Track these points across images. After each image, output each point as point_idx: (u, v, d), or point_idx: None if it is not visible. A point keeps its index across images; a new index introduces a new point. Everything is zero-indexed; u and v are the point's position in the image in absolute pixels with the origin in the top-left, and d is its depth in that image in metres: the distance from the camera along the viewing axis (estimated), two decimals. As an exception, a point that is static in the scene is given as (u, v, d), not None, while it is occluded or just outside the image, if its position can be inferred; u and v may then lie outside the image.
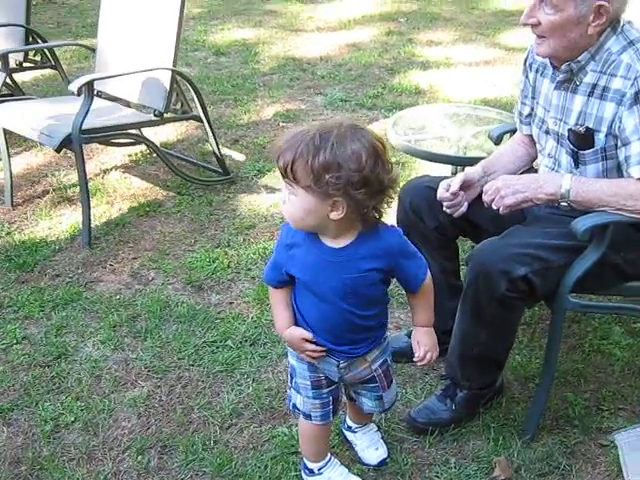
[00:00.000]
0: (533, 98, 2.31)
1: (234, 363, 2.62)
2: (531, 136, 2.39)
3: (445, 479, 2.15)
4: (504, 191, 2.08)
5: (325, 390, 1.96)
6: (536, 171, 2.40)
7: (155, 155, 4.14)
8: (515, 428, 2.31)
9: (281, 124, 4.72)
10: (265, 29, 6.74)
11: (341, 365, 1.88)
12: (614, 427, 2.32)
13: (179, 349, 2.69)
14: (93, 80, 3.22)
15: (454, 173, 3.03)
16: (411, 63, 5.84)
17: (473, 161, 2.53)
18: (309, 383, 1.94)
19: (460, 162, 2.94)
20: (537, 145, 2.34)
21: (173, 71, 3.46)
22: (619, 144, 2.03)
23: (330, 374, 1.92)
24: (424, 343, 1.90)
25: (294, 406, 2.01)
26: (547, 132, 2.24)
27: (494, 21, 7.01)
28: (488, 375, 2.31)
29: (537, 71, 2.27)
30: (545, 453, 2.23)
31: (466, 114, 3.67)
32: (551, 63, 2.17)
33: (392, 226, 1.78)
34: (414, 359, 1.92)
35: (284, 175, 1.63)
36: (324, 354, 1.87)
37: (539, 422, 2.30)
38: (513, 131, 2.59)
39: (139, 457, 2.23)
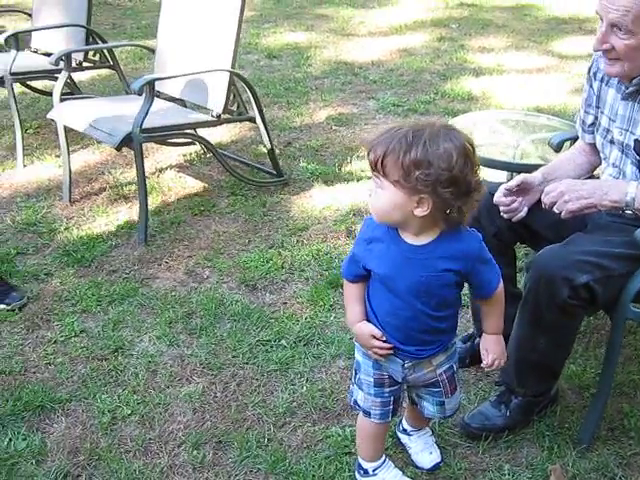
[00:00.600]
0: (597, 107, 2.30)
1: (288, 362, 2.65)
2: (593, 144, 2.37)
3: (499, 485, 2.15)
4: (568, 196, 2.06)
5: (387, 389, 1.97)
6: (597, 179, 2.39)
7: (209, 155, 4.22)
8: (570, 437, 2.29)
9: (334, 127, 4.74)
10: (317, 33, 6.79)
11: (406, 365, 1.90)
12: (671, 440, 2.30)
13: (234, 347, 2.72)
14: (155, 80, 3.29)
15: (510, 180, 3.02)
16: (463, 69, 5.83)
17: (530, 168, 2.53)
18: (372, 380, 1.96)
19: (518, 169, 2.92)
20: (601, 154, 2.32)
21: (231, 73, 3.50)
22: (686, 155, 2.01)
23: (394, 373, 1.94)
24: (493, 351, 1.93)
25: (355, 402, 2.03)
26: (612, 142, 2.23)
27: (546, 28, 6.96)
28: (544, 383, 2.30)
29: (602, 80, 2.26)
30: (600, 463, 2.21)
31: (519, 120, 3.66)
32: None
33: (473, 230, 1.79)
34: (482, 365, 1.95)
35: (374, 169, 1.67)
36: (390, 352, 1.88)
37: (595, 432, 2.28)
38: (574, 139, 2.58)
39: (194, 452, 2.27)
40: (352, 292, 1.92)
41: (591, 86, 2.32)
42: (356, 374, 2.03)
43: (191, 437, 2.32)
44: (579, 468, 2.19)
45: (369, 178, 3.94)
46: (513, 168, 2.96)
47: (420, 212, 1.67)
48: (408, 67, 5.91)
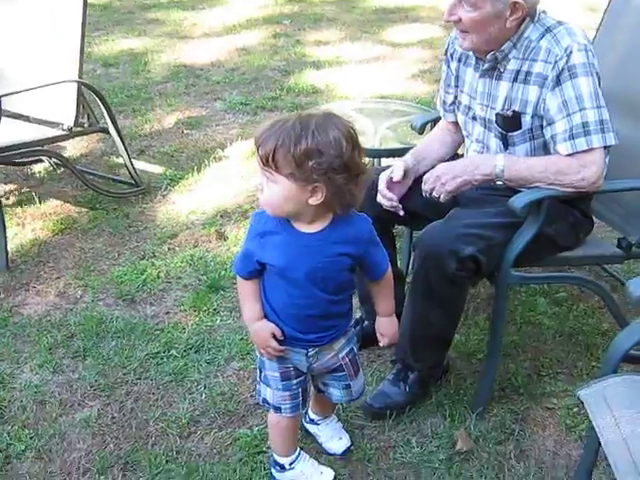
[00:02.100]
0: (456, 86, 2.42)
1: (182, 372, 2.60)
2: (455, 123, 2.50)
3: (410, 458, 2.22)
4: (444, 178, 2.17)
5: (294, 381, 1.99)
6: (461, 157, 2.51)
7: (59, 172, 4.04)
8: (467, 402, 2.41)
9: (185, 131, 4.67)
10: (151, 38, 6.64)
11: (309, 354, 1.92)
12: (556, 390, 2.49)
13: (123, 364, 2.63)
14: (0, 97, 3.10)
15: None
16: (303, 63, 5.91)
17: (399, 152, 2.63)
18: (278, 375, 1.97)
19: (387, 154, 3.01)
20: (464, 131, 2.45)
21: (79, 83, 3.37)
22: (544, 124, 2.17)
23: (299, 364, 1.96)
24: (387, 334, 2.02)
25: (264, 400, 2.03)
26: (474, 118, 2.35)
27: (376, 19, 7.19)
28: (438, 354, 2.40)
29: (460, 60, 2.38)
30: (498, 422, 2.35)
31: (371, 108, 3.78)
32: (474, 53, 2.28)
33: (362, 214, 1.83)
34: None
35: (265, 164, 1.67)
36: (282, 354, 1.91)
37: (490, 394, 2.41)
38: (434, 120, 2.70)
39: (101, 477, 2.18)
40: (248, 289, 1.91)
41: (449, 67, 2.44)
42: (261, 372, 2.03)
43: (95, 463, 2.22)
44: (480, 429, 2.31)
45: (232, 176, 3.81)
46: (382, 154, 3.04)
47: (314, 200, 1.70)
48: (249, 65, 5.91)
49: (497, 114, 2.25)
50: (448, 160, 2.43)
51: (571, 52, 2.11)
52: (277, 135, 1.64)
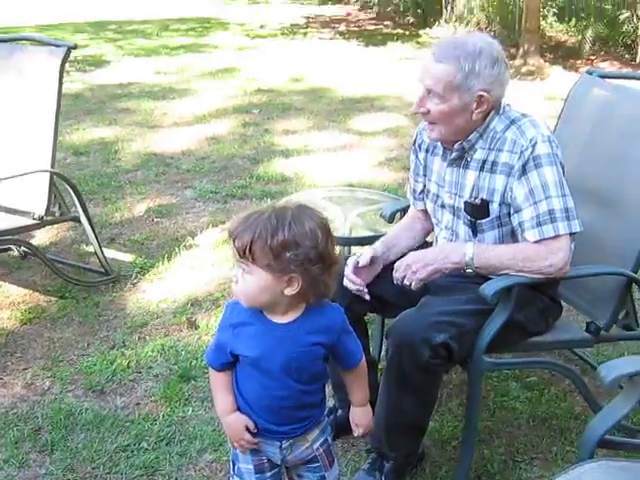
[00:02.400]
0: (424, 175, 2.50)
1: (153, 465, 2.54)
2: (425, 211, 2.56)
3: None
4: (415, 266, 2.22)
5: (268, 474, 1.95)
6: (430, 245, 2.57)
7: (28, 260, 4.01)
8: (443, 491, 2.39)
9: (155, 219, 4.69)
10: (121, 127, 6.73)
11: (283, 445, 1.90)
12: (532, 476, 2.48)
13: (92, 458, 2.57)
14: (-29, 188, 3.12)
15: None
16: (272, 152, 6.03)
17: (369, 240, 2.67)
18: (252, 467, 1.94)
19: (357, 242, 3.05)
20: (433, 219, 2.51)
21: (52, 173, 3.39)
22: (512, 212, 2.24)
23: (273, 456, 1.93)
24: (361, 425, 2.00)
25: (237, 494, 1.99)
26: (443, 206, 2.42)
27: (342, 108, 7.39)
28: (414, 442, 2.39)
29: (427, 151, 2.47)
30: (476, 512, 2.32)
31: (341, 196, 3.85)
32: (442, 144, 2.37)
33: (335, 303, 1.85)
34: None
35: (241, 256, 1.69)
36: (255, 447, 1.89)
37: (466, 482, 2.39)
38: (404, 209, 2.76)
39: None
40: (220, 381, 1.90)
41: (417, 157, 2.52)
42: (234, 465, 1.99)
43: None
44: (458, 520, 2.28)
45: (204, 266, 3.79)
46: (352, 242, 3.09)
47: (290, 291, 1.72)
48: (218, 154, 6.01)
49: (465, 202, 2.31)
50: (418, 248, 2.49)
51: (536, 143, 2.20)
52: (253, 228, 1.67)
